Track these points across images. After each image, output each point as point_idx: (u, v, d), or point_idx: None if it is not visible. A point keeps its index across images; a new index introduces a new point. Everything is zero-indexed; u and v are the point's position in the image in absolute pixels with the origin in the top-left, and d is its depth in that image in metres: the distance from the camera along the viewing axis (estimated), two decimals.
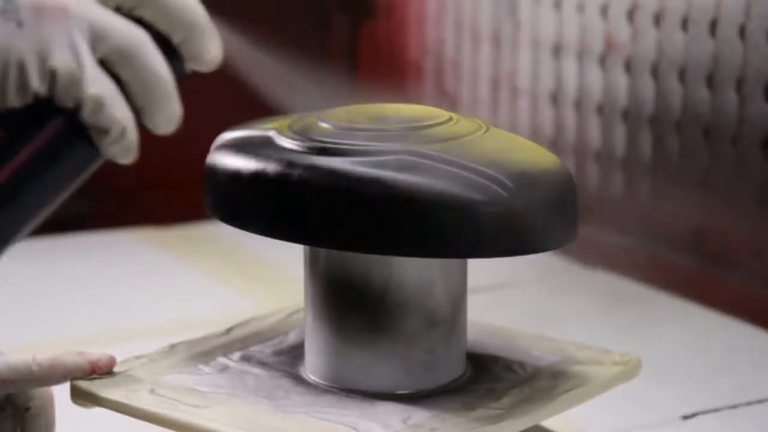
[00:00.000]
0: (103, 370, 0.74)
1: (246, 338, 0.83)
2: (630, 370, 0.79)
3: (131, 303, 1.28)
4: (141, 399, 0.72)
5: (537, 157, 0.75)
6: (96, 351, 0.75)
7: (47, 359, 0.72)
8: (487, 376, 0.79)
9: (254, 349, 0.81)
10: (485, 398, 0.75)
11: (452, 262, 0.77)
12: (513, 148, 0.76)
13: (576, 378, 0.78)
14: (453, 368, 0.78)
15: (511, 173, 0.70)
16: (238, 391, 0.74)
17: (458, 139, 0.74)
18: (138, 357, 0.77)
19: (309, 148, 0.73)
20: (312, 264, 0.77)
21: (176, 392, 0.73)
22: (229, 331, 0.84)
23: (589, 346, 0.83)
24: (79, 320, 1.22)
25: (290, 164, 0.72)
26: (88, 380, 0.73)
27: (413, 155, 0.71)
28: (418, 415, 0.72)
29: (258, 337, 0.83)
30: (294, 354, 0.81)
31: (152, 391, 0.73)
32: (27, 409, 0.74)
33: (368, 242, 0.70)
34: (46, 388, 0.75)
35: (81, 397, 0.73)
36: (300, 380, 0.77)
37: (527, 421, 0.73)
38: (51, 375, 0.72)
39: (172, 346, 0.80)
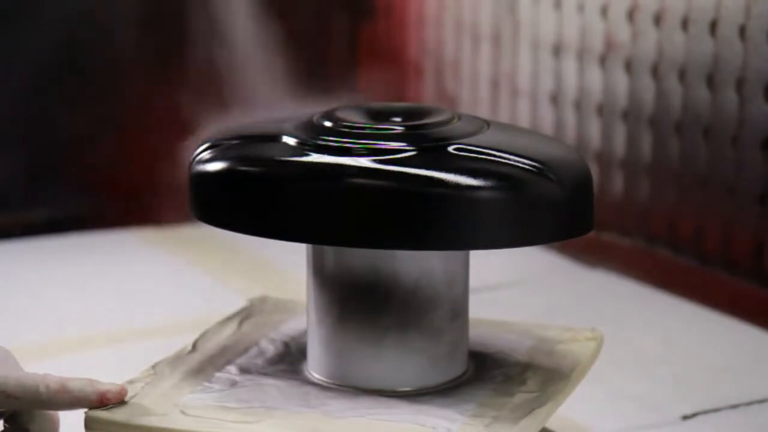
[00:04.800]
0: (112, 402, 0.71)
1: (222, 352, 0.82)
2: (600, 344, 0.84)
3: (131, 303, 1.28)
4: (181, 422, 0.70)
5: (554, 147, 0.76)
6: (107, 381, 0.72)
7: (57, 383, 0.70)
8: (489, 364, 0.80)
9: (242, 362, 0.80)
10: (511, 384, 0.76)
11: (467, 253, 0.78)
12: (530, 139, 0.77)
13: (569, 356, 0.81)
14: (465, 360, 0.79)
15: (545, 162, 0.71)
16: (272, 402, 0.73)
17: (472, 136, 0.74)
18: (130, 382, 0.75)
19: (316, 147, 0.73)
20: (332, 266, 0.76)
21: (209, 411, 0.72)
22: (195, 346, 0.82)
23: (550, 326, 0.86)
24: (79, 320, 1.22)
25: (307, 166, 0.72)
26: (106, 410, 0.71)
27: (436, 151, 0.71)
28: (467, 406, 0.73)
29: (234, 350, 0.82)
30: (288, 361, 0.80)
31: (184, 413, 0.71)
32: (26, 430, 0.72)
33: (403, 237, 0.70)
34: (53, 414, 0.73)
35: (106, 427, 0.71)
36: (320, 385, 0.76)
37: (562, 397, 0.76)
38: (57, 400, 0.70)
39: (154, 367, 0.78)
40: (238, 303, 1.27)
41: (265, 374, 0.78)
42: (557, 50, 1.45)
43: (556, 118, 1.47)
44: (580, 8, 1.41)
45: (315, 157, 0.72)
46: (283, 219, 0.72)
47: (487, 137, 0.74)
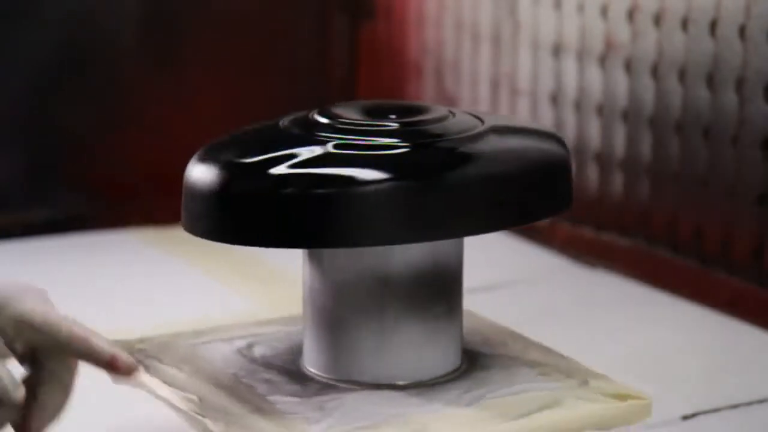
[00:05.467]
0: (120, 372, 0.72)
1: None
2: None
3: (131, 303, 1.28)
4: None
5: (535, 140, 0.76)
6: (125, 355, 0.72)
7: (82, 330, 0.71)
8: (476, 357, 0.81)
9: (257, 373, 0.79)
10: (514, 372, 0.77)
11: (462, 246, 0.78)
12: (522, 134, 0.77)
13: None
14: (460, 353, 0.79)
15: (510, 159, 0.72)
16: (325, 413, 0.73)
17: (466, 132, 0.74)
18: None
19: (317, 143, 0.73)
20: (331, 264, 0.76)
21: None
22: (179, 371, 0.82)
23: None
24: (78, 320, 1.22)
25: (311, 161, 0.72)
26: None
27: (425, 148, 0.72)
28: (487, 393, 0.73)
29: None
30: (280, 367, 0.80)
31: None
32: (42, 369, 0.72)
33: (400, 231, 0.71)
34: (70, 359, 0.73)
35: None
36: (337, 386, 0.77)
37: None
38: (74, 346, 0.70)
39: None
40: (238, 303, 1.27)
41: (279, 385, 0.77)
42: (557, 50, 1.45)
43: (556, 118, 1.47)
44: (580, 8, 1.41)
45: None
46: (283, 227, 0.72)
47: (481, 133, 0.74)
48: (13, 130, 1.58)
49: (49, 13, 1.56)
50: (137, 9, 1.62)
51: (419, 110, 0.78)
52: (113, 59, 1.62)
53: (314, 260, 0.76)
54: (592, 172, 1.43)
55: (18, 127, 1.58)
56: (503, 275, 1.35)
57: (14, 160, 1.59)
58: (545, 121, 1.48)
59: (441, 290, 0.76)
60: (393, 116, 0.76)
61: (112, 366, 0.71)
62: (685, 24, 1.27)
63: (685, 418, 0.97)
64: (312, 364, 0.78)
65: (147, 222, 1.59)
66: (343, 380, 0.76)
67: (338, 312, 0.76)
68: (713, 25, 1.24)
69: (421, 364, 0.76)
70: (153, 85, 1.64)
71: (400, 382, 0.76)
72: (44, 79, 1.58)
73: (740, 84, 1.21)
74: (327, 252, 0.76)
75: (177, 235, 1.55)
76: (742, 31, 1.20)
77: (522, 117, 1.52)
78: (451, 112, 0.78)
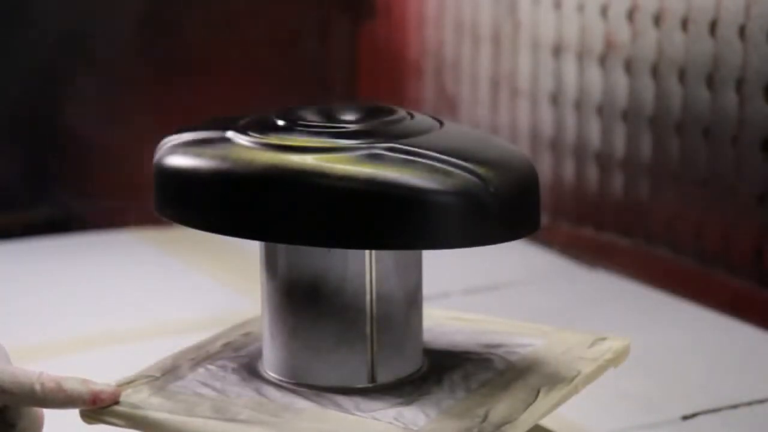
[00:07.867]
0: (105, 403, 0.71)
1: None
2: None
3: (131, 303, 1.28)
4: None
5: (501, 148, 0.75)
6: (100, 382, 0.72)
7: (52, 382, 0.70)
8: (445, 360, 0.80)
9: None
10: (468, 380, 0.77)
11: (416, 252, 0.78)
12: (475, 140, 0.75)
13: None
14: (420, 355, 0.79)
15: (481, 164, 0.70)
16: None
17: (420, 135, 0.73)
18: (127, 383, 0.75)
19: (268, 145, 0.73)
20: (283, 265, 0.76)
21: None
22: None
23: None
24: (79, 320, 1.22)
25: (252, 162, 0.72)
26: None
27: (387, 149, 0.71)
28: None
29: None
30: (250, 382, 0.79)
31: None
32: (12, 426, 0.72)
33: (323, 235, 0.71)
34: (37, 411, 0.73)
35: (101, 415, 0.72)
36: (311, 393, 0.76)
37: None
38: (51, 398, 0.70)
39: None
40: (237, 302, 1.28)
41: (279, 386, 0.77)
42: (557, 50, 1.45)
43: (556, 118, 1.47)
44: (580, 8, 1.41)
45: (258, 156, 0.72)
46: (229, 216, 0.72)
47: (426, 138, 0.73)
48: (13, 130, 1.58)
49: (50, 13, 1.56)
50: (137, 9, 1.62)
51: (380, 113, 0.77)
52: (113, 59, 1.62)
53: (270, 263, 0.76)
54: (592, 172, 1.43)
55: (18, 127, 1.58)
56: (504, 275, 1.35)
57: (14, 160, 1.59)
58: (545, 121, 1.49)
59: (394, 293, 0.75)
60: (348, 118, 0.75)
61: (95, 403, 0.71)
62: (685, 24, 1.27)
63: (685, 418, 0.97)
64: (270, 368, 0.77)
65: (146, 222, 1.59)
66: (300, 384, 0.75)
67: (295, 315, 0.75)
68: (713, 25, 1.24)
69: (382, 367, 0.75)
70: (153, 85, 1.64)
71: (359, 385, 0.75)
72: (44, 79, 1.58)
73: (740, 84, 1.21)
74: (281, 255, 0.75)
75: (176, 235, 1.56)
76: (742, 31, 1.21)
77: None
78: (409, 114, 0.77)
